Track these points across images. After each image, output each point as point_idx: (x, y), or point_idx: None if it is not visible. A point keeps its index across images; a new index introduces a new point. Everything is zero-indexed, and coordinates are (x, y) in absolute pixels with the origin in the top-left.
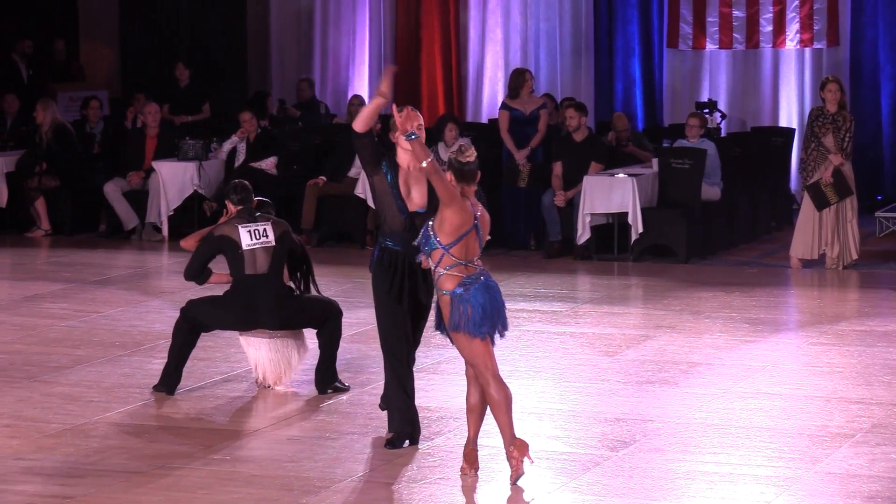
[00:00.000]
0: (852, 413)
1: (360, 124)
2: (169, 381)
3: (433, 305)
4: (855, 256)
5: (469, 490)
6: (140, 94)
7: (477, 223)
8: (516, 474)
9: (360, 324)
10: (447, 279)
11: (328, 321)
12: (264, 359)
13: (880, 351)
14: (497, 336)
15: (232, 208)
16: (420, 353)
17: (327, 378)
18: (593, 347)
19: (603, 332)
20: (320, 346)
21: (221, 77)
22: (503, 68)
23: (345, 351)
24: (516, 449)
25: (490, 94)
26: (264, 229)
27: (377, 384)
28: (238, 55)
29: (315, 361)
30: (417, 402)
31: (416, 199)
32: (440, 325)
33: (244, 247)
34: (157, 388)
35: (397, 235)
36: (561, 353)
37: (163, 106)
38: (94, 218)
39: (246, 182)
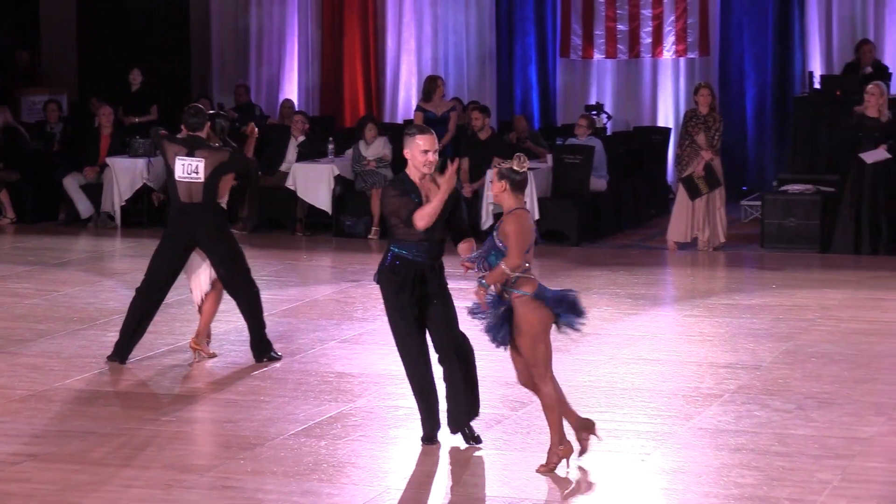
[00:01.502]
0: (721, 376)
1: (423, 223)
2: (122, 351)
3: (497, 314)
4: (723, 240)
5: (386, 445)
6: (94, 97)
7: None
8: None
9: (292, 300)
10: (525, 282)
11: (241, 291)
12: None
13: (745, 321)
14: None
15: (184, 130)
16: (343, 326)
17: (262, 348)
18: None
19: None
20: (245, 318)
21: (168, 82)
22: (417, 75)
23: (277, 324)
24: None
25: (405, 98)
26: (196, 166)
27: (306, 353)
28: (183, 63)
29: (247, 333)
30: (342, 368)
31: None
32: (499, 333)
33: (176, 177)
34: (110, 357)
35: (412, 245)
36: (467, 326)
37: (117, 108)
38: (54, 208)
39: (200, 106)
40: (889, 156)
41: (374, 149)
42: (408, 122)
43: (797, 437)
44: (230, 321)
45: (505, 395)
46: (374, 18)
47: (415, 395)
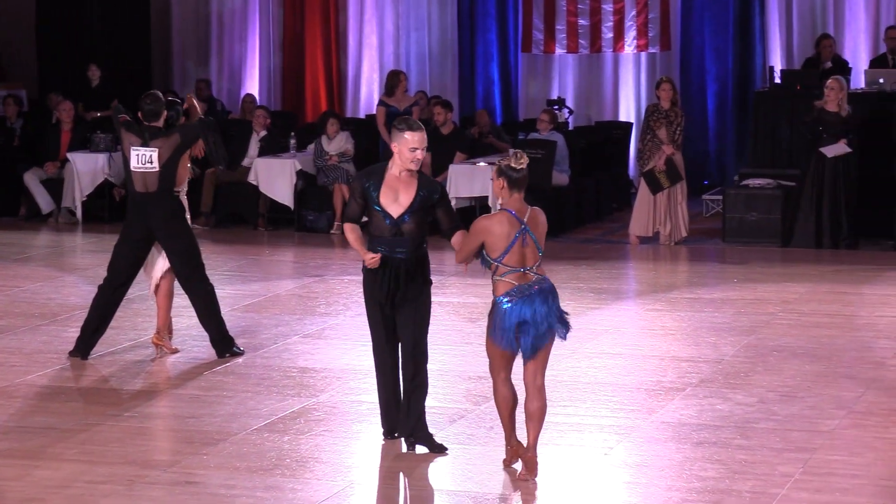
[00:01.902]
0: (683, 370)
1: (461, 258)
2: (84, 347)
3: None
4: (685, 234)
5: (349, 440)
6: (53, 92)
7: (525, 228)
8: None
9: (254, 295)
10: (499, 285)
11: (196, 289)
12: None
13: (707, 315)
14: (534, 343)
15: (141, 119)
16: (305, 321)
17: (224, 344)
18: (458, 314)
19: (467, 301)
20: (200, 317)
21: (129, 78)
22: (378, 70)
23: (240, 319)
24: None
25: (367, 93)
26: (150, 156)
27: (268, 348)
28: (143, 59)
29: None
30: (304, 364)
31: (404, 202)
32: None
33: (131, 167)
34: (72, 353)
35: (385, 240)
36: (430, 320)
37: (77, 104)
38: (14, 203)
39: (158, 94)
40: (849, 150)
41: (336, 144)
42: (370, 117)
43: (759, 431)
44: (192, 316)
45: (468, 389)
46: (335, 14)
47: (377, 388)
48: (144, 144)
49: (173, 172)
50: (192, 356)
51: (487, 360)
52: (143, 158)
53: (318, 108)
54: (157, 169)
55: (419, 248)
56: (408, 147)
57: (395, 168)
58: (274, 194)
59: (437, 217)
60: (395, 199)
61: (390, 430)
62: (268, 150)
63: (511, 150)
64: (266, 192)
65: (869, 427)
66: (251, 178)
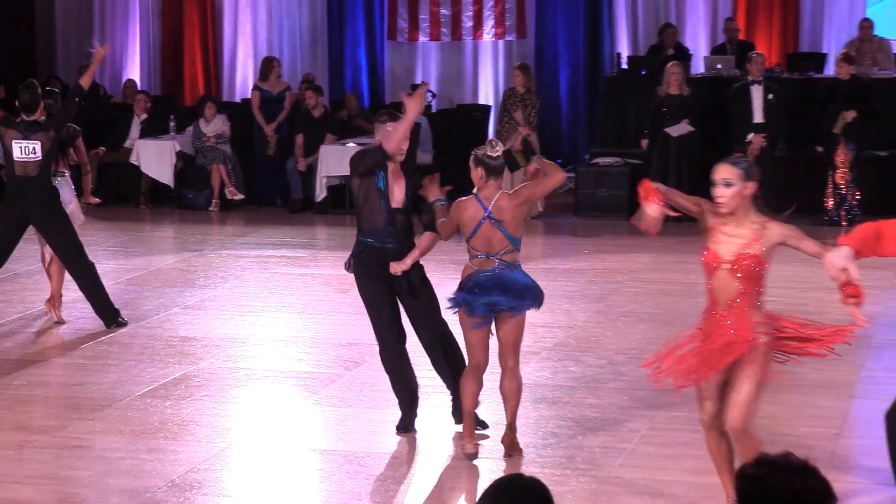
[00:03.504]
0: (538, 335)
1: (391, 146)
2: None
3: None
4: (540, 209)
5: (228, 404)
6: None
7: (489, 215)
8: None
9: (137, 269)
10: (465, 267)
11: (76, 268)
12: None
13: (561, 284)
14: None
15: (22, 112)
16: (185, 293)
17: (110, 315)
18: (330, 286)
19: (338, 273)
20: (85, 293)
21: (12, 63)
22: (253, 56)
23: (123, 292)
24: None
25: (242, 78)
26: (33, 147)
27: (151, 319)
28: (28, 45)
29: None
30: (185, 333)
31: (398, 195)
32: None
33: (14, 158)
34: None
35: (378, 232)
36: (304, 291)
37: None
38: None
39: (35, 83)
40: (692, 129)
41: (214, 126)
42: (245, 101)
43: (609, 390)
44: (77, 290)
45: (339, 355)
46: (211, 2)
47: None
48: (26, 138)
49: (51, 159)
50: (78, 327)
51: (358, 327)
52: (27, 150)
53: (196, 92)
54: (41, 158)
55: (409, 239)
56: None
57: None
58: (154, 174)
59: (425, 207)
60: (392, 191)
61: (401, 427)
62: (148, 132)
63: (488, 140)
64: (147, 172)
65: None
66: (133, 159)
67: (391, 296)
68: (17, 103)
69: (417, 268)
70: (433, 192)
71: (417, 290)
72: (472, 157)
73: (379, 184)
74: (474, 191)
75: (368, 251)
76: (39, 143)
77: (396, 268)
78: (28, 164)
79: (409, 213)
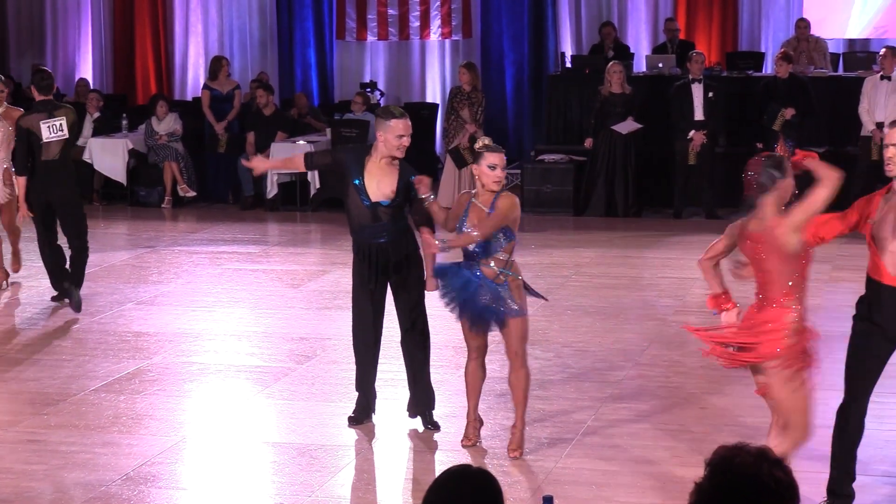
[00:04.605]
0: None
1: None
2: None
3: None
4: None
5: (181, 398)
6: None
7: (465, 215)
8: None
9: (90, 266)
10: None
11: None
12: None
13: None
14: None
15: (36, 94)
16: (139, 289)
17: (61, 293)
18: (281, 281)
19: (289, 269)
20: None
21: None
22: (203, 56)
23: (83, 287)
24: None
25: (193, 77)
26: (60, 124)
27: (105, 314)
28: None
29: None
30: (138, 328)
31: (386, 188)
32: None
33: (43, 139)
34: None
35: (365, 228)
36: (255, 286)
37: None
38: None
39: (48, 69)
40: (640, 126)
41: (166, 124)
42: (196, 100)
43: (556, 382)
44: (31, 286)
45: (291, 349)
46: (162, 2)
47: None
48: (51, 116)
49: (69, 146)
50: (33, 323)
51: (309, 322)
52: (55, 128)
53: (148, 91)
54: (66, 135)
55: (401, 233)
56: (394, 134)
57: (376, 155)
58: (107, 171)
59: (415, 207)
60: (376, 186)
61: (353, 419)
62: (101, 130)
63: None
64: (100, 170)
65: (652, 377)
66: (86, 157)
67: (379, 298)
68: (32, 88)
69: (417, 267)
70: (423, 191)
71: (411, 287)
72: (472, 162)
73: (355, 181)
74: (474, 191)
75: (362, 251)
76: (64, 119)
77: (433, 247)
78: (52, 145)
79: (400, 207)
